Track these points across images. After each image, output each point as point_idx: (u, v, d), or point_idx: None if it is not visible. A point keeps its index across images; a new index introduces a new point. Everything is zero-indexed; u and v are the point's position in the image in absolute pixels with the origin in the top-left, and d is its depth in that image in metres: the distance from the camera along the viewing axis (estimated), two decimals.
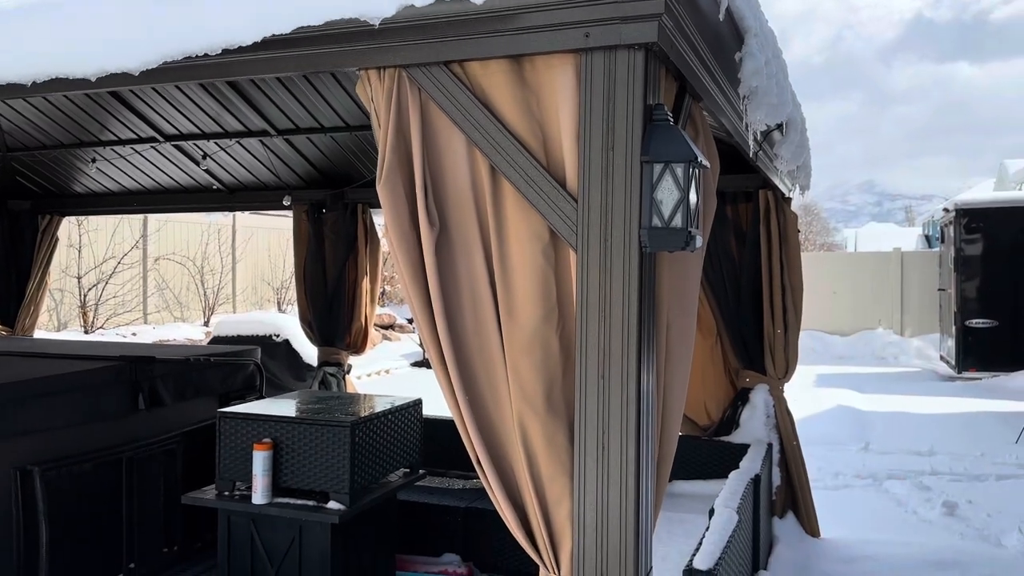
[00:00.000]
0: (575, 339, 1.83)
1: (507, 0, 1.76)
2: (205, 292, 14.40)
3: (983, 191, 25.96)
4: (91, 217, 8.67)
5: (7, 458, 3.95)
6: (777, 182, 4.55)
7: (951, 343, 13.81)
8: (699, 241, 1.78)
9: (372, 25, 1.80)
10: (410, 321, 19.15)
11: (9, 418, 3.93)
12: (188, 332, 13.11)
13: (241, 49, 1.86)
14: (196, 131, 6.07)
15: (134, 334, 12.41)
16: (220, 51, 1.87)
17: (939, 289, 15.26)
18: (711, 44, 2.09)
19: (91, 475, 4.35)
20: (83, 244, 11.97)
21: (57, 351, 5.33)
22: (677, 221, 1.71)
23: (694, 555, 3.06)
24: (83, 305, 12.00)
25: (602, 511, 1.78)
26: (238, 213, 14.64)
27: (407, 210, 1.92)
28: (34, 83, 2.07)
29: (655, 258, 1.89)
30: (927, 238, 31.10)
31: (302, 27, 1.82)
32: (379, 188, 1.92)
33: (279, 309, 16.37)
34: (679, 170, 1.70)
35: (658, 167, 1.71)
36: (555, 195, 1.84)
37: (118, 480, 4.50)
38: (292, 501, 3.92)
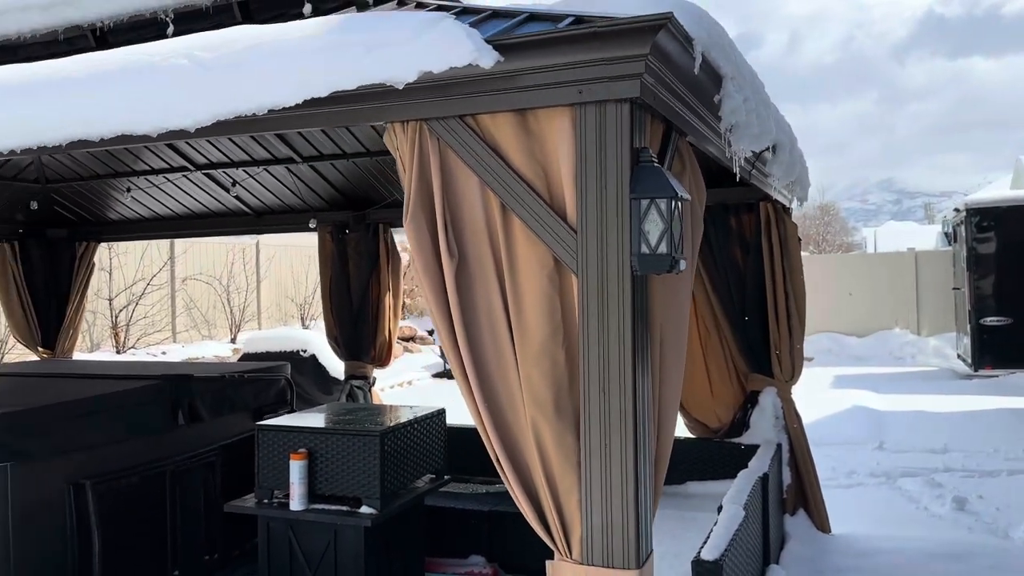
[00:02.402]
0: (578, 352, 2.11)
1: (510, 64, 2.05)
2: (231, 310, 14.81)
3: (999, 188, 25.88)
4: (112, 242, 9.04)
5: (60, 473, 4.24)
6: (775, 195, 4.80)
7: (967, 341, 13.90)
8: (683, 265, 2.05)
9: (397, 88, 2.10)
10: (430, 333, 19.46)
11: (62, 435, 4.24)
12: (216, 350, 13.49)
13: (284, 109, 2.17)
14: (225, 160, 6.42)
15: (164, 353, 12.80)
16: (266, 111, 2.17)
17: (954, 288, 15.35)
18: (691, 88, 2.37)
19: (138, 487, 4.64)
20: (113, 267, 12.38)
21: (101, 372, 5.67)
22: (662, 248, 1.98)
23: (702, 547, 3.30)
24: (115, 326, 12.41)
25: (606, 501, 2.05)
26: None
27: (430, 243, 2.22)
28: (101, 139, 2.38)
29: (647, 280, 2.17)
30: (947, 236, 30.98)
31: (337, 91, 2.12)
32: (406, 224, 2.21)
33: (303, 325, 16.75)
34: (663, 204, 1.98)
35: (644, 202, 1.99)
36: (558, 228, 2.12)
37: (162, 492, 4.80)
38: (327, 507, 4.19)
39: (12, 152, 2.56)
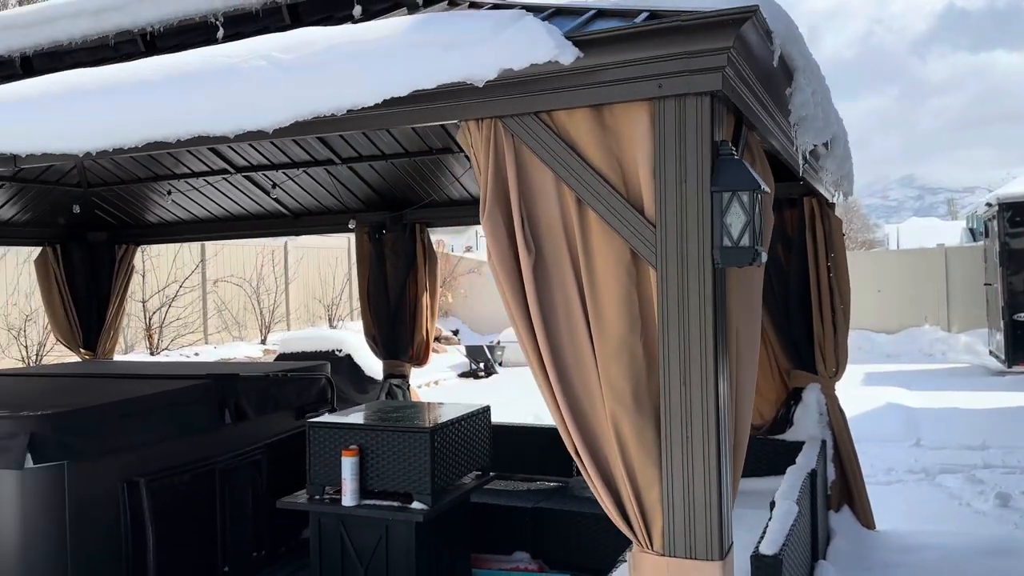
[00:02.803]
0: (657, 345, 2.13)
1: (589, 60, 2.07)
2: (261, 311, 14.95)
3: None
4: (149, 245, 9.18)
5: (114, 471, 4.31)
6: (821, 189, 4.78)
7: (1000, 337, 13.75)
8: (764, 257, 2.07)
9: (476, 86, 2.13)
10: (455, 333, 19.53)
11: (115, 434, 4.31)
12: (247, 350, 13.62)
13: (363, 109, 2.20)
14: (265, 162, 6.48)
15: (196, 354, 12.94)
16: (344, 112, 2.21)
17: (985, 284, 15.18)
18: (763, 82, 2.38)
19: (189, 485, 4.71)
20: (147, 270, 12.54)
21: (147, 372, 5.75)
22: (745, 241, 2.00)
23: (759, 543, 3.30)
24: (148, 328, 12.56)
25: (688, 494, 2.06)
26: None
27: (507, 239, 2.25)
28: (178, 140, 2.43)
29: (724, 272, 2.18)
30: (971, 231, 30.61)
31: (416, 90, 2.15)
32: (483, 221, 2.24)
33: (330, 325, 16.87)
34: (745, 197, 1.99)
35: (727, 195, 2.01)
36: (635, 221, 2.14)
37: (212, 489, 4.86)
38: (379, 503, 4.23)
39: (88, 155, 2.62)
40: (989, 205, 14.47)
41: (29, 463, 3.95)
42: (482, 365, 16.21)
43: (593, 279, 2.19)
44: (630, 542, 3.62)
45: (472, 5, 3.00)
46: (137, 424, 4.45)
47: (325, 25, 3.30)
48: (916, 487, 7.23)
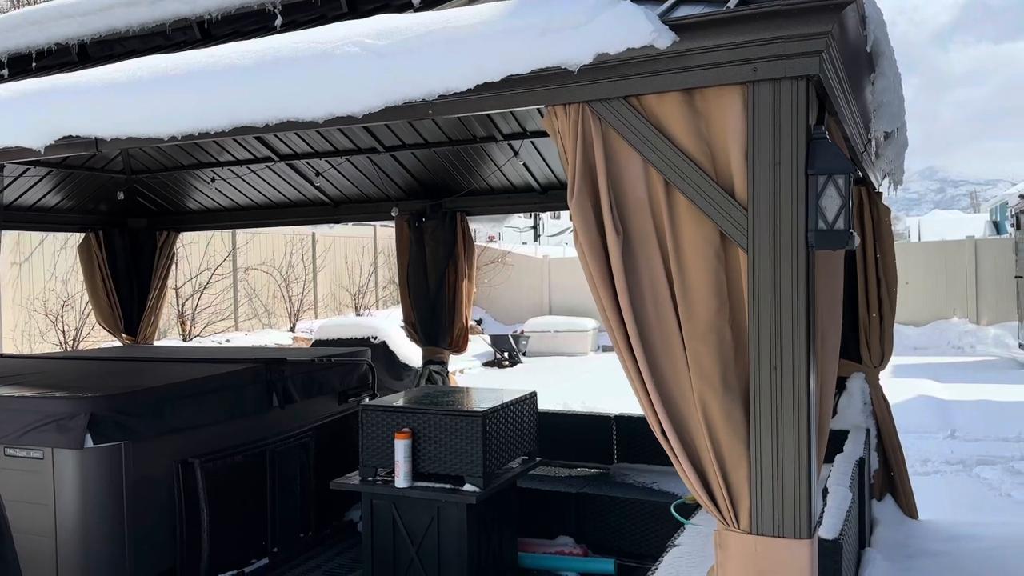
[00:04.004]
0: (746, 327, 2.16)
1: (684, 44, 2.09)
2: (290, 299, 15.07)
3: None
4: (187, 232, 9.28)
5: (167, 452, 4.40)
6: (872, 177, 4.77)
7: None
8: (857, 240, 2.09)
9: (571, 70, 2.16)
10: (479, 322, 19.59)
11: (170, 416, 4.40)
12: (276, 338, 13.75)
13: (455, 93, 2.23)
14: (309, 150, 6.54)
15: (228, 341, 13.08)
16: (436, 96, 2.24)
17: (1016, 276, 15.04)
18: (847, 67, 2.39)
19: (241, 466, 4.80)
20: (180, 257, 12.68)
21: (194, 356, 5.84)
22: (840, 223, 2.02)
23: (817, 527, 3.33)
24: (181, 314, 12.70)
25: (777, 475, 2.09)
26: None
27: (595, 222, 2.28)
28: (267, 124, 2.47)
29: (813, 257, 2.20)
30: (995, 224, 30.28)
31: (510, 75, 2.18)
32: (571, 204, 2.27)
33: (356, 313, 16.98)
34: (840, 181, 2.01)
35: (822, 179, 2.03)
36: (725, 204, 2.16)
37: (263, 471, 4.95)
38: (431, 485, 4.29)
39: (173, 138, 2.67)
40: (1022, 197, 14.32)
41: (89, 443, 4.04)
42: (506, 354, 16.26)
43: (681, 262, 2.21)
44: (675, 528, 3.65)
45: None
46: (191, 406, 4.53)
47: (381, 13, 3.32)
48: (955, 478, 7.21)
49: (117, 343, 7.99)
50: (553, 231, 31.34)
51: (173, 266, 8.54)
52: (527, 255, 21.15)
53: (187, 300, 12.71)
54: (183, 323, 12.52)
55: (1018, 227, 14.98)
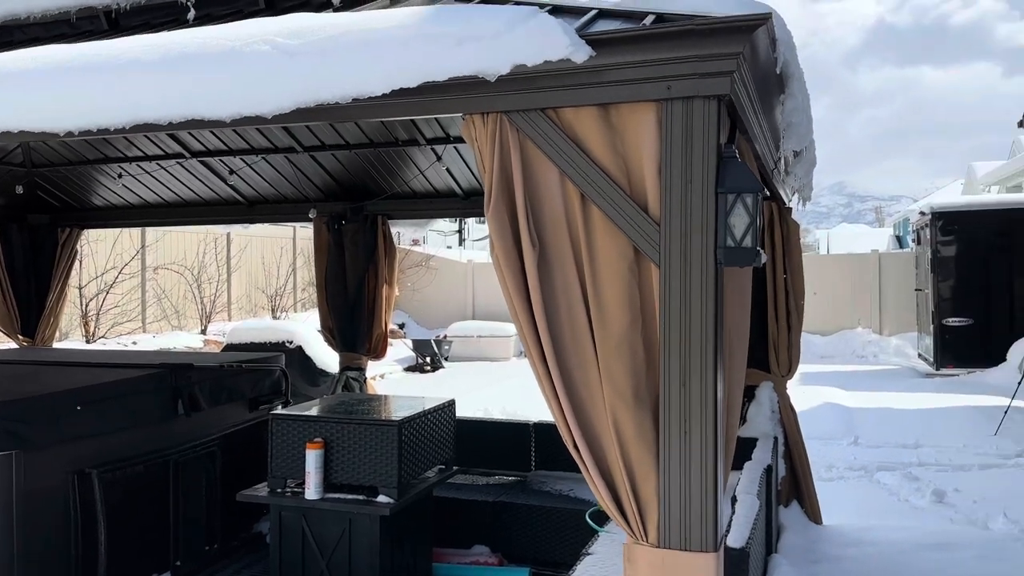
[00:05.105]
0: (657, 341, 2.17)
1: (600, 59, 2.10)
2: (202, 300, 14.58)
3: (952, 193, 26.70)
4: (92, 229, 8.86)
5: (63, 461, 4.18)
6: (781, 193, 4.92)
7: (929, 341, 14.34)
8: (764, 258, 2.13)
9: (488, 80, 2.14)
10: (401, 327, 19.40)
11: (67, 423, 4.18)
12: (186, 340, 13.29)
13: (370, 98, 2.18)
14: (223, 148, 6.33)
15: (134, 343, 12.57)
16: (350, 100, 2.18)
17: (916, 289, 15.81)
18: (758, 87, 2.45)
19: (142, 477, 4.60)
20: (84, 255, 12.11)
21: (94, 360, 5.57)
22: (747, 241, 2.06)
23: (725, 536, 3.40)
24: (85, 315, 12.13)
25: (685, 487, 2.11)
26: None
27: (511, 233, 2.26)
28: (170, 123, 2.36)
29: (721, 272, 2.24)
30: (898, 239, 31.79)
31: (427, 81, 2.15)
32: (488, 215, 2.25)
33: (273, 316, 16.57)
34: (749, 199, 2.05)
35: (731, 197, 2.06)
36: (639, 219, 2.18)
37: (166, 481, 4.75)
38: (344, 496, 4.20)
39: (70, 133, 2.53)
40: (922, 213, 15.05)
41: None
42: (428, 359, 16.14)
43: (596, 275, 2.22)
44: (590, 536, 3.67)
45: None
46: (89, 413, 4.32)
47: (299, 12, 3.24)
48: (856, 483, 7.50)
49: (13, 345, 7.56)
50: (478, 235, 31.34)
51: (76, 264, 8.16)
52: (452, 259, 21.08)
53: (91, 300, 12.15)
54: (87, 324, 11.97)
55: (919, 242, 15.75)
